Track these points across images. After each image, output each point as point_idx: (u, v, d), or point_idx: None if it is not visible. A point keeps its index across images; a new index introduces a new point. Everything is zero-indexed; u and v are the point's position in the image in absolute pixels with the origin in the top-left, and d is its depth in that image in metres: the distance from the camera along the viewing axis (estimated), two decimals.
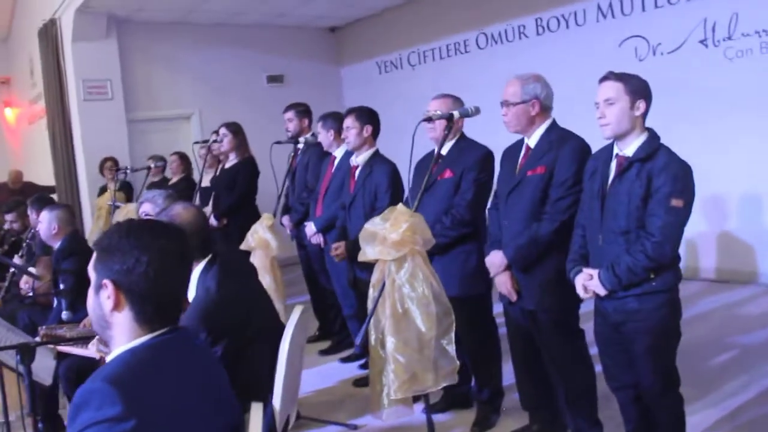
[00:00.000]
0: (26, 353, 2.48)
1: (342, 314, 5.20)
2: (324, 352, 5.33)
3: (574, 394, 3.22)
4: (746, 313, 5.44)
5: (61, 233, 4.26)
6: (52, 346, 3.16)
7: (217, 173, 6.15)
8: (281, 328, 2.69)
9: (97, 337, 2.53)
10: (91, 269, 1.57)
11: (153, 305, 1.53)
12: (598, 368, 3.09)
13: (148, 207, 3.56)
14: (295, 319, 2.61)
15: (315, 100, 9.25)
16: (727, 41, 6.10)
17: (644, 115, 2.75)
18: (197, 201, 6.00)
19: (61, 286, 3.95)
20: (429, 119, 3.07)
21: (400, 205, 2.71)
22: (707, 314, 5.46)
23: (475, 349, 3.74)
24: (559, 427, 3.46)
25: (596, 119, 2.77)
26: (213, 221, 5.75)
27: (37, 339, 3.45)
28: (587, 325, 3.16)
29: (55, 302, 4.18)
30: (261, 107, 8.91)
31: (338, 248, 4.41)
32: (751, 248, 6.27)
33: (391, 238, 2.60)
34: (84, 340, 2.92)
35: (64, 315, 3.90)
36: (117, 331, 1.55)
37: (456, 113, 2.97)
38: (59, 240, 4.27)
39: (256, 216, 5.89)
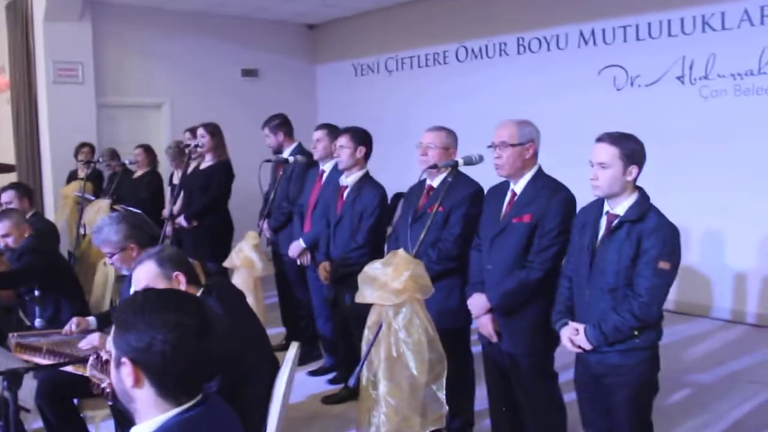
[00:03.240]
0: (14, 381, 2.36)
1: (312, 325, 5.22)
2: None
3: None
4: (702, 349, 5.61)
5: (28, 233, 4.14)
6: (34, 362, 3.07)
7: (188, 171, 6.01)
8: (275, 361, 2.69)
9: (90, 362, 2.46)
10: (110, 343, 1.57)
11: (173, 381, 1.53)
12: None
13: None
14: (291, 357, 2.61)
15: (288, 96, 9.28)
16: (703, 80, 6.28)
17: (635, 178, 2.81)
18: (168, 198, 5.92)
19: (36, 293, 3.84)
20: (435, 166, 3.07)
21: (401, 251, 2.73)
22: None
23: (451, 381, 3.77)
24: None
25: (588, 179, 2.83)
26: (183, 222, 5.67)
27: (9, 348, 3.36)
28: (567, 370, 3.24)
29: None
30: (234, 100, 8.83)
31: (324, 268, 4.40)
32: (708, 281, 6.47)
33: (392, 285, 2.61)
34: (81, 361, 2.83)
35: (38, 323, 3.81)
36: (141, 405, 1.55)
37: (460, 161, 2.97)
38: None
39: (227, 220, 5.85)
